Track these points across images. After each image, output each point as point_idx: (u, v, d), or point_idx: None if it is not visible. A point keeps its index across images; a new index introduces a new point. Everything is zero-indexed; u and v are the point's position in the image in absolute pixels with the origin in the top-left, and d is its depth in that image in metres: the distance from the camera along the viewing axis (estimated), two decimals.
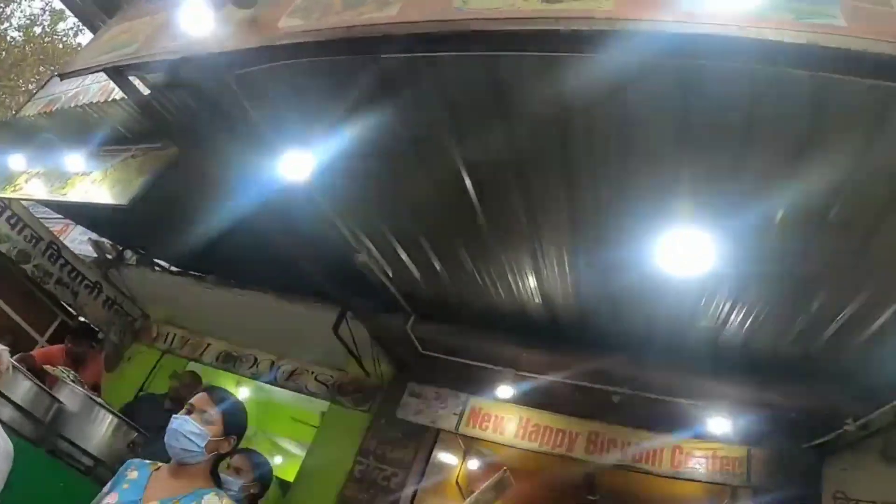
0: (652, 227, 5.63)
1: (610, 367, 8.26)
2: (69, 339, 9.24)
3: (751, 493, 8.68)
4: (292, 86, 5.48)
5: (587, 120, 5.01)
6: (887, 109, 4.25)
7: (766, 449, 8.80)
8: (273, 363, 11.01)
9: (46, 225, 10.84)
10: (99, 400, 6.92)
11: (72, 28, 25.11)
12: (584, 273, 7.01)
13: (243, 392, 13.05)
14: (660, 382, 8.21)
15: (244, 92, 5.63)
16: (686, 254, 5.68)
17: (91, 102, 8.16)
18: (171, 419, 3.47)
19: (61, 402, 6.31)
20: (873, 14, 3.64)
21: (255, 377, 11.20)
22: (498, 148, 5.52)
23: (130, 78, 6.15)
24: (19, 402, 5.83)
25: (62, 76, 6.84)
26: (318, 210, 6.80)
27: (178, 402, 7.37)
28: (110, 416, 6.76)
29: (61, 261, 10.52)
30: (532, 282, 7.47)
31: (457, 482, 12.28)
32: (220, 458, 3.59)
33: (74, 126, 8.68)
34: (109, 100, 7.90)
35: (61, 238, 11.38)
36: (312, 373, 10.70)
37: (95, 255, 12.06)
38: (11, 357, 4.34)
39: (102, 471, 6.27)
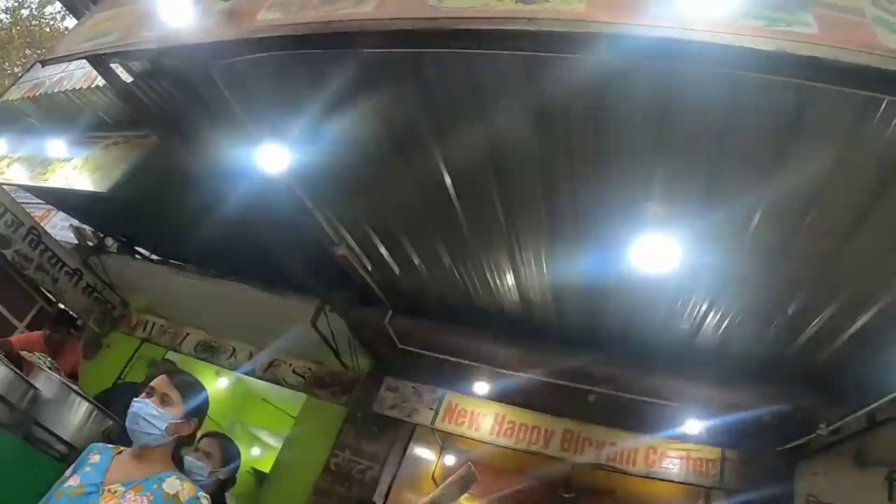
0: (629, 228, 5.67)
1: (586, 366, 8.28)
2: (48, 326, 9.22)
3: (724, 495, 8.75)
4: (273, 78, 5.48)
5: (565, 121, 5.04)
6: (863, 117, 4.29)
7: (739, 451, 8.88)
8: (251, 354, 10.99)
9: (28, 210, 10.78)
10: (75, 387, 6.89)
11: (59, 12, 24.92)
12: (561, 272, 7.03)
13: (222, 382, 13.07)
14: (636, 382, 8.23)
15: (226, 83, 5.64)
16: (662, 255, 5.72)
17: (74, 89, 8.16)
18: (132, 403, 3.46)
19: (37, 389, 6.28)
20: (845, 23, 3.68)
21: (233, 368, 11.17)
22: (477, 146, 5.54)
23: (112, 66, 6.15)
24: None
25: (44, 62, 6.85)
26: (297, 202, 6.81)
27: None
28: (86, 404, 6.73)
29: (42, 246, 10.46)
30: (510, 279, 7.49)
31: (433, 477, 12.33)
32: (182, 441, 3.58)
33: (57, 111, 8.68)
34: (93, 87, 7.91)
35: (42, 224, 11.31)
36: (290, 365, 10.71)
37: (76, 241, 12.01)
38: None
39: (76, 458, 6.25)
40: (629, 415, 8.87)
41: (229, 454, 5.26)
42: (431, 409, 9.81)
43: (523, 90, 4.83)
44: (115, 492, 3.16)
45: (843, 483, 8.11)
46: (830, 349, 7.03)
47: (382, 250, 7.60)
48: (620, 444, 9.22)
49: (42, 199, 12.37)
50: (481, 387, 9.18)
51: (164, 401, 3.46)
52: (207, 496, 3.40)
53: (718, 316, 7.06)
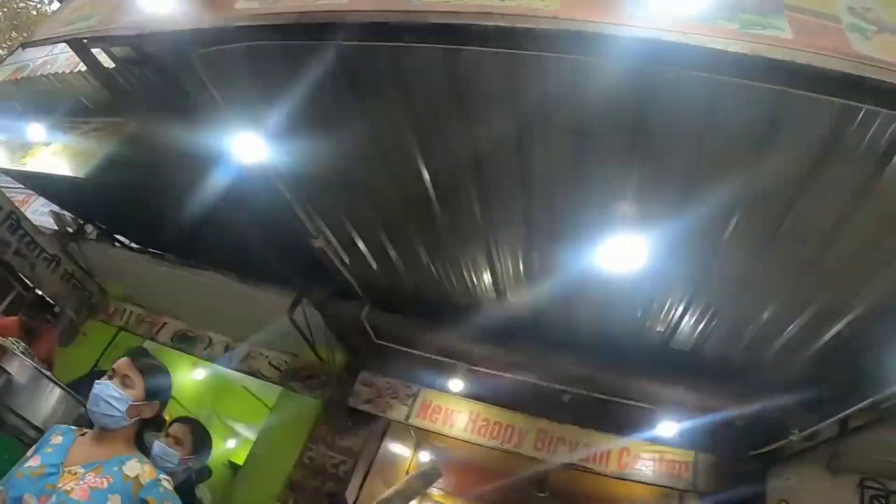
0: (604, 228, 5.67)
1: (562, 367, 8.32)
2: (24, 312, 9.14)
3: (697, 498, 8.80)
4: (253, 68, 5.45)
5: (543, 121, 5.05)
6: (841, 125, 4.31)
7: (712, 455, 8.94)
8: (228, 345, 11.00)
9: (8, 195, 10.70)
10: (48, 373, 6.85)
11: None
12: (538, 272, 7.06)
13: (199, 373, 13.03)
14: (610, 383, 8.27)
15: (206, 71, 5.61)
16: (637, 256, 5.73)
17: (57, 73, 8.10)
18: (94, 385, 3.42)
19: (10, 374, 6.24)
20: (820, 28, 3.70)
21: (209, 359, 11.16)
22: (456, 143, 5.55)
23: (94, 51, 6.11)
24: None
25: (24, 45, 6.81)
26: (276, 193, 6.78)
27: None
28: (59, 391, 6.70)
29: (20, 232, 10.35)
30: (487, 278, 7.50)
31: (407, 473, 12.31)
32: (144, 423, 3.51)
33: (40, 95, 8.61)
34: (75, 71, 7.85)
35: (22, 209, 11.22)
36: (266, 357, 10.70)
37: (56, 227, 11.92)
38: None
39: None
40: (603, 416, 8.91)
41: (201, 441, 5.11)
42: (406, 404, 9.82)
43: (502, 89, 4.83)
44: (76, 473, 3.12)
45: (815, 489, 8.19)
46: (804, 356, 7.09)
47: (360, 245, 7.59)
48: (594, 445, 9.26)
49: (22, 184, 12.28)
50: (456, 384, 9.19)
51: (126, 382, 3.41)
52: (169, 478, 3.37)
53: (694, 319, 7.10)
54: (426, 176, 6.03)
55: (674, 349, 7.76)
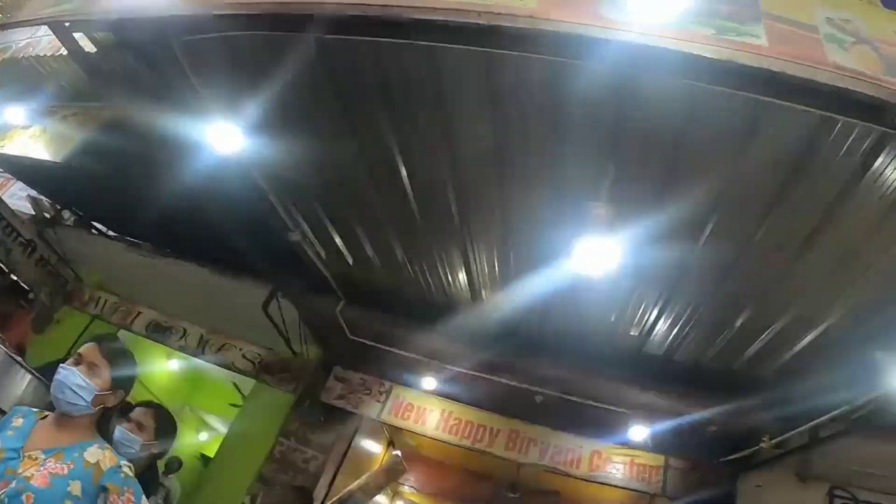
0: (580, 230, 5.65)
1: (535, 368, 8.33)
2: None
3: (667, 502, 8.85)
4: (235, 58, 5.43)
5: (521, 120, 5.05)
6: (818, 136, 4.34)
7: (683, 460, 9.01)
8: (202, 337, 10.92)
9: None
10: (18, 358, 6.80)
11: None
12: (513, 273, 7.06)
13: (173, 364, 12.96)
14: (583, 386, 8.29)
15: (187, 60, 5.57)
16: (613, 260, 5.73)
17: (39, 55, 8.05)
18: (58, 368, 3.38)
19: None
20: (796, 37, 3.73)
21: (183, 350, 11.07)
22: (434, 142, 5.54)
23: (76, 35, 6.07)
24: None
25: (4, 26, 6.74)
26: (254, 185, 6.76)
27: None
28: (30, 377, 6.65)
29: None
30: (462, 277, 7.50)
31: None
32: (108, 410, 3.48)
33: (21, 77, 8.54)
34: (56, 55, 7.81)
35: (0, 192, 11.17)
36: (240, 349, 10.64)
37: (33, 212, 11.83)
38: None
39: None
40: (575, 418, 8.93)
41: (164, 427, 4.98)
42: (379, 401, 9.82)
43: (481, 88, 4.83)
44: (36, 458, 3.09)
45: (784, 496, 8.22)
46: (777, 364, 7.15)
47: (337, 240, 7.58)
48: (565, 447, 9.31)
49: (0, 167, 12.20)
50: (429, 382, 9.19)
51: (92, 370, 3.37)
52: (130, 465, 3.32)
53: (667, 324, 7.13)
54: (404, 173, 6.03)
55: (647, 354, 7.80)
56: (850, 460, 7.78)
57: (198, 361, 11.28)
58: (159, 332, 11.17)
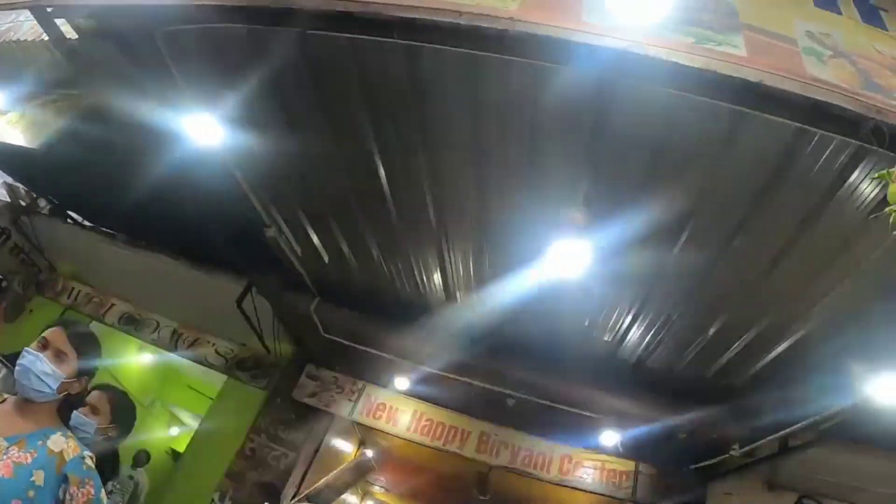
0: (555, 234, 5.66)
1: (508, 371, 8.34)
2: None
3: None
4: (217, 51, 5.39)
5: (500, 123, 5.05)
6: (795, 148, 4.36)
7: (654, 466, 9.07)
8: (175, 331, 10.88)
9: None
10: None
11: None
12: (488, 275, 7.06)
13: (145, 358, 12.87)
14: (556, 390, 8.30)
15: (169, 50, 5.54)
16: (588, 265, 5.73)
17: (19, 40, 7.96)
18: (23, 353, 3.27)
19: None
20: (775, 49, 3.75)
21: (155, 343, 11.03)
22: (412, 141, 5.53)
23: (57, 21, 6.02)
24: None
25: None
26: (232, 179, 6.71)
27: None
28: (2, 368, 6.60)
29: None
30: (437, 278, 7.50)
31: None
32: (69, 396, 3.37)
33: (0, 63, 8.46)
34: (37, 40, 7.73)
35: None
36: (213, 344, 10.61)
37: (9, 199, 11.71)
38: None
39: None
40: (547, 422, 8.97)
41: (120, 412, 4.71)
42: (351, 400, 9.81)
43: (461, 89, 4.83)
44: None
45: None
46: (749, 373, 7.20)
47: (313, 237, 7.55)
48: (536, 450, 9.35)
49: None
50: (402, 382, 9.20)
51: (59, 357, 3.27)
52: (92, 455, 3.27)
53: (640, 331, 7.16)
54: (382, 172, 6.01)
55: (620, 359, 7.83)
56: (819, 470, 7.86)
57: (170, 355, 11.23)
58: (132, 325, 11.11)
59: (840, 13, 4.49)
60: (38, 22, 6.10)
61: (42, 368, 3.22)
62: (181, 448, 12.95)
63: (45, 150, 7.29)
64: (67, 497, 3.06)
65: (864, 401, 5.71)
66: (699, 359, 7.31)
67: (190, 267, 10.14)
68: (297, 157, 6.30)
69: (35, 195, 11.82)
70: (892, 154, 3.80)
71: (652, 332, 7.15)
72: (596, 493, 9.26)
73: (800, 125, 3.99)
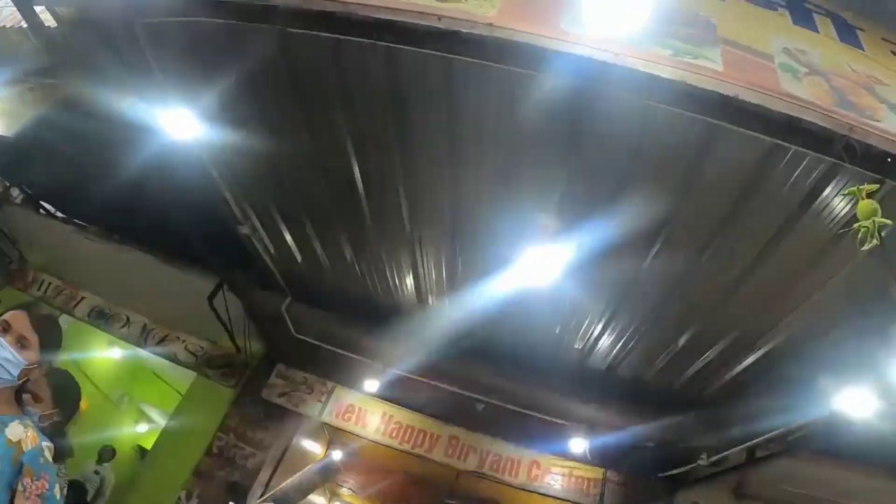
0: (529, 241, 5.68)
1: (478, 376, 8.35)
2: None
3: None
4: (196, 45, 5.37)
5: (477, 128, 5.05)
6: (769, 162, 4.40)
7: (621, 473, 9.12)
8: (145, 326, 10.79)
9: None
10: None
11: None
12: (460, 280, 7.08)
13: (114, 353, 12.76)
14: (525, 396, 8.33)
15: (148, 43, 5.51)
16: (559, 272, 5.75)
17: None
18: None
19: None
20: (751, 64, 3.79)
21: (125, 338, 10.93)
22: (388, 143, 5.53)
23: (37, 8, 5.97)
24: None
25: None
26: (206, 175, 6.68)
27: None
28: None
29: None
30: (410, 282, 7.51)
31: None
32: (27, 382, 3.21)
33: None
34: (16, 27, 7.67)
35: None
36: (183, 341, 10.55)
37: None
38: None
39: None
40: (516, 427, 9.00)
41: (62, 395, 4.42)
42: (320, 401, 9.79)
43: (439, 93, 4.83)
44: None
45: None
46: (717, 384, 7.26)
47: (287, 236, 7.53)
48: (505, 455, 9.38)
49: None
50: (371, 384, 9.16)
51: (22, 343, 3.09)
52: (51, 446, 3.18)
53: (612, 338, 7.19)
54: (357, 174, 6.01)
55: (590, 367, 7.87)
56: (787, 481, 7.92)
57: (140, 351, 11.14)
58: (102, 319, 11.01)
59: (817, 31, 4.54)
60: (18, 8, 6.04)
61: (4, 354, 3.05)
62: (148, 445, 12.85)
63: (19, 139, 7.23)
64: (20, 488, 2.99)
65: (831, 414, 5.77)
66: (669, 368, 7.35)
67: (162, 262, 10.05)
68: (274, 156, 6.27)
69: (8, 184, 11.68)
70: (863, 171, 3.85)
71: (623, 341, 7.19)
72: (563, 500, 9.28)
73: (774, 140, 4.02)
